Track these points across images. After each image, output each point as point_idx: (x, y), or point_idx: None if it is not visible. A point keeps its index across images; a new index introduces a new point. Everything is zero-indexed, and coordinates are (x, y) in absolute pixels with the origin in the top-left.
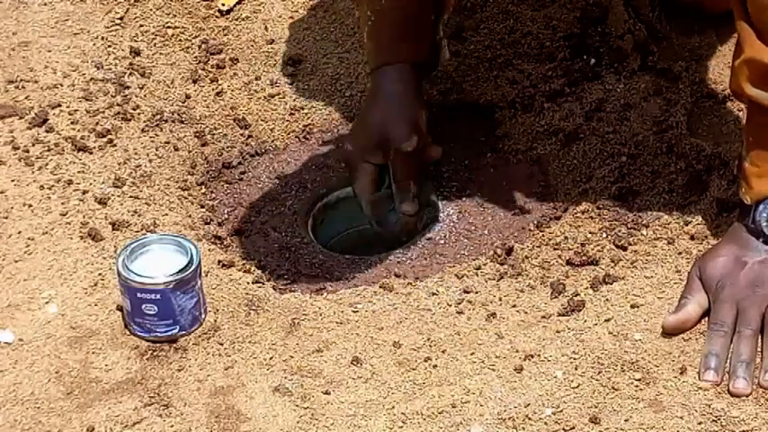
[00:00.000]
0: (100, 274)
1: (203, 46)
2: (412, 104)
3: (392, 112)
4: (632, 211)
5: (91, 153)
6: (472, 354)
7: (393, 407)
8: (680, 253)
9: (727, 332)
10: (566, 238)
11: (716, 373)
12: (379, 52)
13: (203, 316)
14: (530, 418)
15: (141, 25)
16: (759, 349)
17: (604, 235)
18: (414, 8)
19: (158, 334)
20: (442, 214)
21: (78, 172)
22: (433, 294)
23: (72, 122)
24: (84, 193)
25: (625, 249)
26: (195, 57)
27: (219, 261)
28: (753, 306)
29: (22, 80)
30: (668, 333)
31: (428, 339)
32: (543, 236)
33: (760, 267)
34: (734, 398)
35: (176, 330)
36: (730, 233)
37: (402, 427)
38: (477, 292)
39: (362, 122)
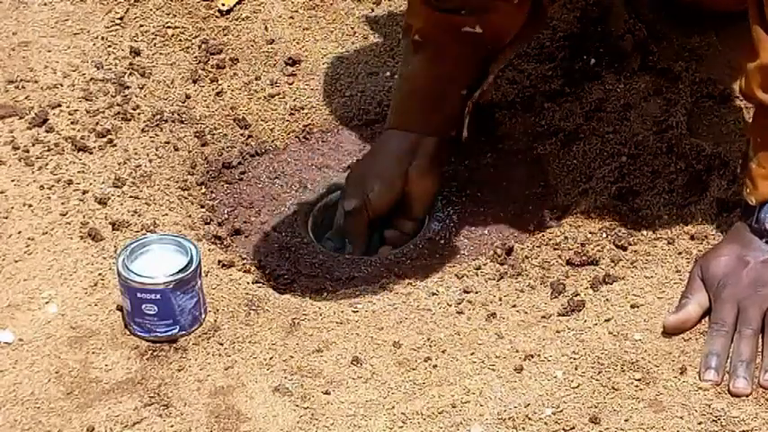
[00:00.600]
0: (100, 274)
1: (203, 46)
2: (392, 174)
3: (365, 169)
4: (632, 211)
5: (91, 153)
6: (472, 354)
7: (393, 407)
8: (680, 253)
9: (728, 332)
10: (566, 238)
11: (716, 372)
12: (393, 114)
13: (203, 316)
14: (530, 418)
15: (141, 25)
16: (759, 349)
17: (604, 235)
18: (438, 76)
19: (158, 334)
20: (441, 213)
21: (78, 172)
22: (433, 294)
23: (72, 122)
24: (84, 193)
25: (625, 249)
26: (195, 57)
27: (219, 261)
28: (754, 306)
29: (22, 80)
30: (668, 333)
31: (428, 339)
32: (543, 236)
33: (762, 267)
34: (734, 398)
35: (176, 330)
36: (732, 233)
37: (402, 427)
38: (477, 292)
39: (350, 167)
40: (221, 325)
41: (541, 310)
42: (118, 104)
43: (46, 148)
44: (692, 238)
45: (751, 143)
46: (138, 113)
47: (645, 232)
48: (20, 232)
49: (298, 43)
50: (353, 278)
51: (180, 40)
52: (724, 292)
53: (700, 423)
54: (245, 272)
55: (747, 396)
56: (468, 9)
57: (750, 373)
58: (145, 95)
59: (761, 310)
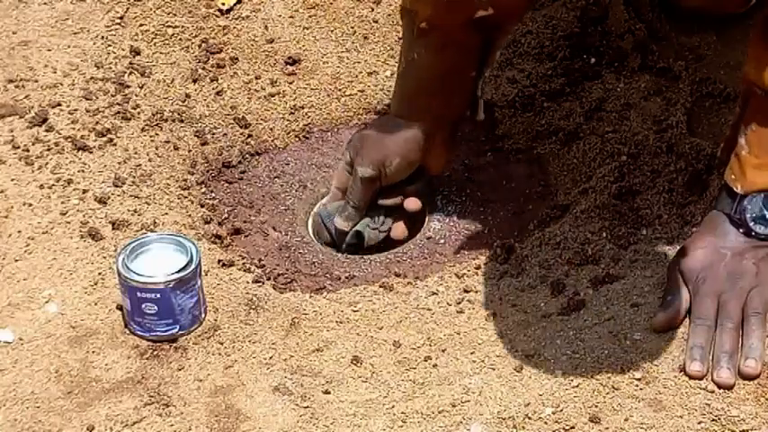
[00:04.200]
0: (100, 274)
1: (203, 45)
2: (410, 155)
3: (381, 141)
4: (632, 210)
5: (91, 152)
6: (472, 353)
7: (393, 406)
8: None
9: (711, 325)
10: (566, 237)
11: (701, 363)
12: (405, 104)
13: (203, 315)
14: (530, 418)
15: (141, 24)
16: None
17: (604, 235)
18: (449, 65)
19: (158, 333)
20: (441, 213)
21: (78, 171)
22: (433, 294)
23: (72, 122)
24: (84, 192)
25: (625, 249)
26: (195, 56)
27: (219, 260)
28: (733, 299)
29: (22, 79)
30: (659, 331)
31: (428, 339)
32: (543, 235)
33: (739, 259)
34: (733, 398)
35: (176, 330)
36: (708, 223)
37: (402, 426)
38: (477, 292)
39: (359, 132)
40: (221, 324)
41: (541, 309)
42: (118, 104)
43: (46, 148)
44: None
45: (744, 131)
46: (138, 113)
47: (645, 232)
48: (20, 231)
49: (298, 43)
50: (353, 277)
51: (180, 39)
52: (703, 286)
53: (700, 422)
54: (245, 271)
55: (731, 386)
56: None
57: (734, 363)
58: (145, 95)
59: (740, 302)
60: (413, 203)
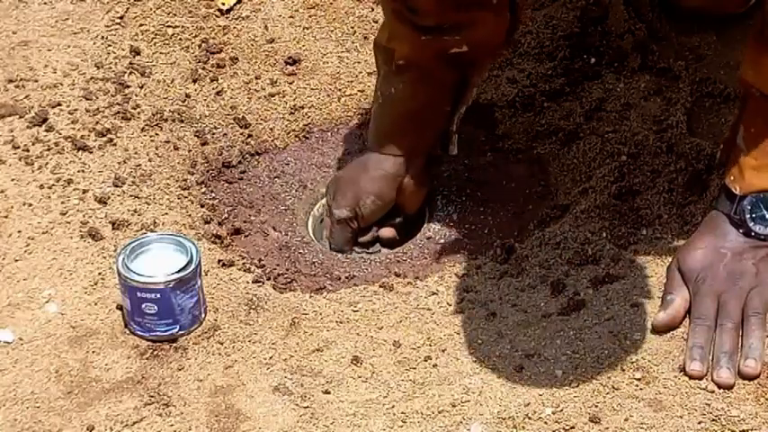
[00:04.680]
0: (100, 274)
1: (203, 45)
2: (383, 192)
3: (355, 181)
4: (632, 210)
5: (91, 152)
6: (472, 353)
7: (393, 406)
8: None
9: (710, 325)
10: (566, 237)
11: (701, 363)
12: (380, 138)
13: (203, 315)
14: (530, 418)
15: (141, 24)
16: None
17: (604, 234)
18: (425, 100)
19: (158, 333)
20: (441, 213)
21: (78, 171)
22: (433, 294)
23: (72, 122)
24: (84, 192)
25: (625, 249)
26: (195, 56)
27: (219, 260)
28: (733, 299)
29: (22, 79)
30: (659, 331)
31: (428, 339)
32: (543, 235)
33: (739, 259)
34: (733, 398)
35: (176, 330)
36: (708, 223)
37: (402, 426)
38: (477, 292)
39: (334, 176)
40: (221, 324)
41: (541, 309)
42: (118, 104)
43: (46, 148)
44: None
45: (742, 133)
46: (138, 113)
47: (645, 232)
48: (20, 231)
49: (298, 43)
50: (353, 277)
51: (180, 39)
52: (703, 286)
53: (700, 422)
54: (245, 271)
55: (731, 386)
56: (449, 25)
57: (733, 363)
58: (145, 95)
59: (740, 302)
60: (387, 232)
